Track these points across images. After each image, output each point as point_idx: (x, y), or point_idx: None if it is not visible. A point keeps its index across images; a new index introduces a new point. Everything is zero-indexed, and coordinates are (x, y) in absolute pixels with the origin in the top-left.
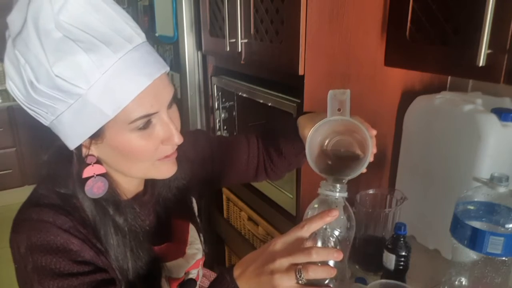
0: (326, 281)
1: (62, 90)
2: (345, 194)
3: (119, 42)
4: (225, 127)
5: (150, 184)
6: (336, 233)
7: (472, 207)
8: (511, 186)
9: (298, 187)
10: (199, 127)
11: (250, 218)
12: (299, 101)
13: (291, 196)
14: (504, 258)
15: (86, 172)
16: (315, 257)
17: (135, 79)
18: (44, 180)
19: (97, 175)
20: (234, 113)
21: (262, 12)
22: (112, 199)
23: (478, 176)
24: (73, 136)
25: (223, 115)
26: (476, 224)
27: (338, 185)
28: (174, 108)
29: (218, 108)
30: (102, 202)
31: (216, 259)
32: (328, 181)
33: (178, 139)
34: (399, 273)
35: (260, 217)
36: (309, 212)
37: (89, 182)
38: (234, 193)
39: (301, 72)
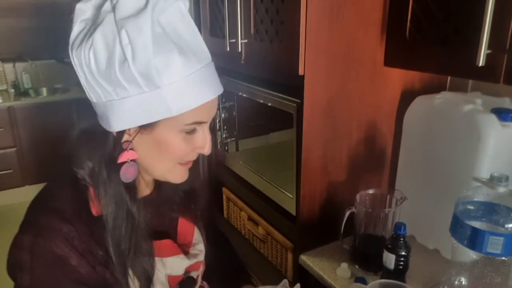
0: None
1: (149, 78)
2: None
3: (201, 54)
4: (225, 127)
5: (157, 187)
6: None
7: (471, 207)
8: (511, 186)
9: (298, 187)
10: None
11: (250, 218)
12: (299, 101)
13: (291, 196)
14: (503, 258)
15: (122, 157)
16: None
17: (206, 90)
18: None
19: (130, 160)
20: (234, 113)
21: (262, 12)
22: (130, 189)
23: (477, 176)
24: (125, 120)
25: (223, 115)
26: (476, 224)
27: None
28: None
29: (218, 108)
30: (122, 188)
31: None
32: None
33: (208, 150)
34: (399, 273)
35: (260, 217)
36: None
37: (124, 167)
38: (234, 193)
39: (301, 72)
